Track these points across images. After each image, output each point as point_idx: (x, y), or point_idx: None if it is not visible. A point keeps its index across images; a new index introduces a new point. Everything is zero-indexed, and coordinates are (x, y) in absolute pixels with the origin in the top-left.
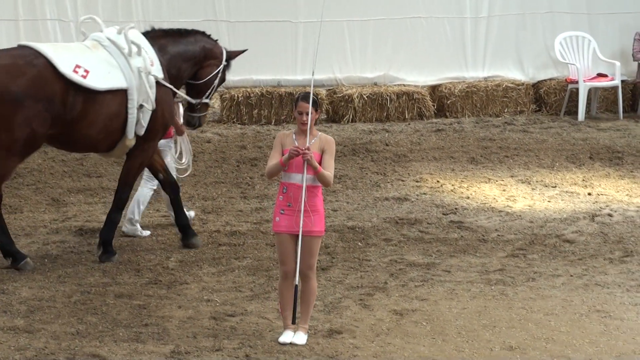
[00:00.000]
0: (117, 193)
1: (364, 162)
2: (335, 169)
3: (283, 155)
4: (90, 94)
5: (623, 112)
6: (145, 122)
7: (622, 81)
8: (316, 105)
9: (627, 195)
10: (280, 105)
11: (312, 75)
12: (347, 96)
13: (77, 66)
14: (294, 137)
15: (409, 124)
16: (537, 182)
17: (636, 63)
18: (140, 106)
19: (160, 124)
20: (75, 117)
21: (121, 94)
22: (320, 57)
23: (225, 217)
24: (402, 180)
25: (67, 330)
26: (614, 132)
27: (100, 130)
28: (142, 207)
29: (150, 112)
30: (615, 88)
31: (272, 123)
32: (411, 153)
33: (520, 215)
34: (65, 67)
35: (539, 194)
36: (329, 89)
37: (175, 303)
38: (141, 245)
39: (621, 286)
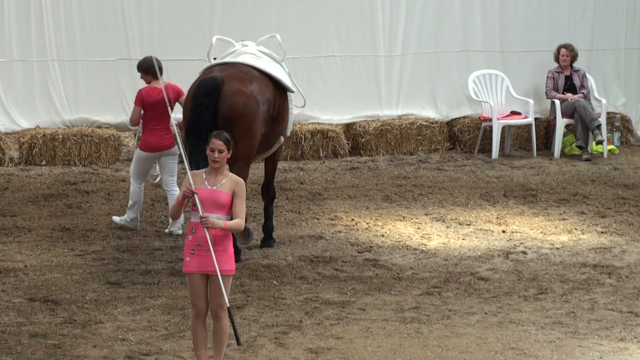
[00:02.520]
0: (270, 190)
1: (278, 201)
2: (250, 207)
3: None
4: (283, 95)
5: (537, 149)
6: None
7: (536, 119)
8: (229, 144)
9: (541, 232)
10: None
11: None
12: None
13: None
14: (204, 176)
15: (324, 162)
16: (451, 220)
17: (549, 101)
18: None
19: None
20: (275, 116)
21: (287, 96)
22: None
23: (139, 255)
24: (317, 219)
25: None
26: (528, 169)
27: (282, 128)
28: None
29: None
30: (528, 126)
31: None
32: (326, 191)
33: (434, 253)
34: (274, 72)
35: (453, 231)
36: None
37: (90, 342)
38: (55, 284)
39: (536, 324)
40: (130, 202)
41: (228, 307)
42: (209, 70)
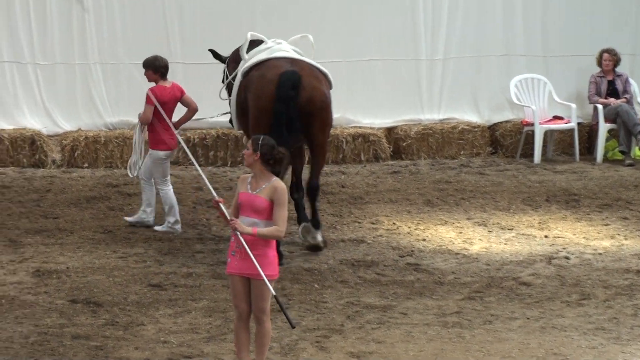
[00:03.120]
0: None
1: (320, 204)
2: (292, 210)
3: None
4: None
5: (579, 154)
6: None
7: (578, 123)
8: (256, 146)
9: (584, 237)
10: (236, 147)
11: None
12: None
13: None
14: (249, 179)
15: (365, 166)
16: (493, 224)
17: (592, 105)
18: None
19: None
20: None
21: None
22: None
23: (181, 258)
24: (359, 222)
25: None
26: (571, 174)
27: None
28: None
29: None
30: (571, 130)
31: (228, 165)
32: (367, 195)
33: (476, 258)
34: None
35: (495, 236)
36: None
37: (132, 344)
38: (98, 286)
39: (578, 329)
40: (166, 208)
41: (275, 295)
42: (277, 64)
